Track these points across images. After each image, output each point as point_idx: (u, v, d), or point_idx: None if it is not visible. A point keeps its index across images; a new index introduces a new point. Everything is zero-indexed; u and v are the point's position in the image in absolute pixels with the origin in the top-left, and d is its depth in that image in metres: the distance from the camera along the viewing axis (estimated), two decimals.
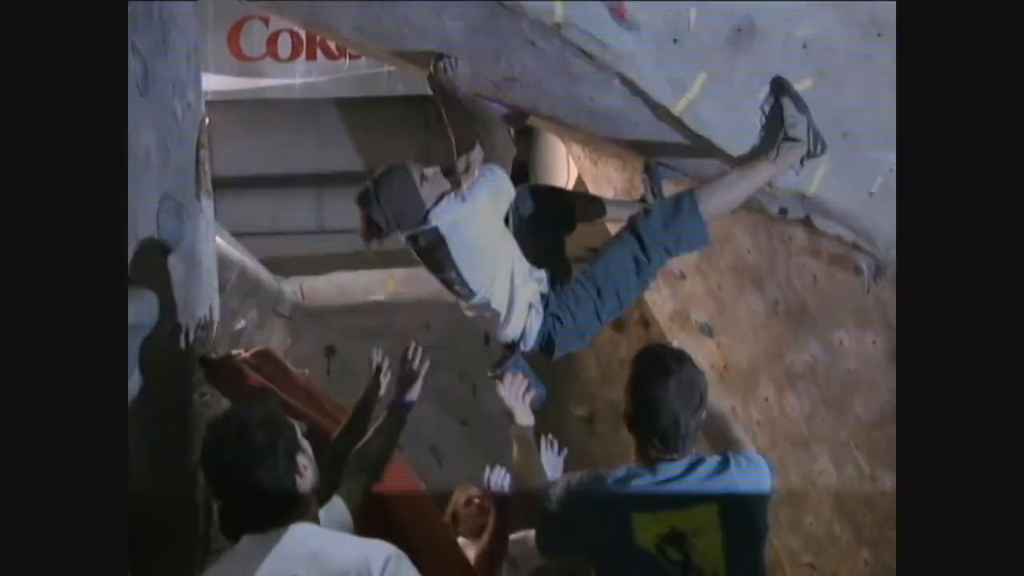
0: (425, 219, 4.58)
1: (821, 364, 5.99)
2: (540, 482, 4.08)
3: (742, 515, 3.84)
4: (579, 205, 5.35)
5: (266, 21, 11.60)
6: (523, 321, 4.66)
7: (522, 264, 4.68)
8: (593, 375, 10.63)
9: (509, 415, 4.29)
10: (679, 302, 7.03)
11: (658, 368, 3.87)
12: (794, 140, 4.66)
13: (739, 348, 6.58)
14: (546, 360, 4.80)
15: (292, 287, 10.62)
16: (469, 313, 4.84)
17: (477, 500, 5.85)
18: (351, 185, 12.88)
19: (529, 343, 4.70)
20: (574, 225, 5.19)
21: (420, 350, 4.54)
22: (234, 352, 5.20)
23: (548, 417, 10.67)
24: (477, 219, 4.57)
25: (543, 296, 4.69)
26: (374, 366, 4.83)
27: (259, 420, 3.35)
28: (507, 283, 4.62)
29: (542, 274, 4.74)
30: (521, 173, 11.24)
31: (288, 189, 12.98)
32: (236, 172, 12.20)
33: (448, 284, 4.71)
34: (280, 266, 10.82)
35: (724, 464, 3.87)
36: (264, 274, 10.11)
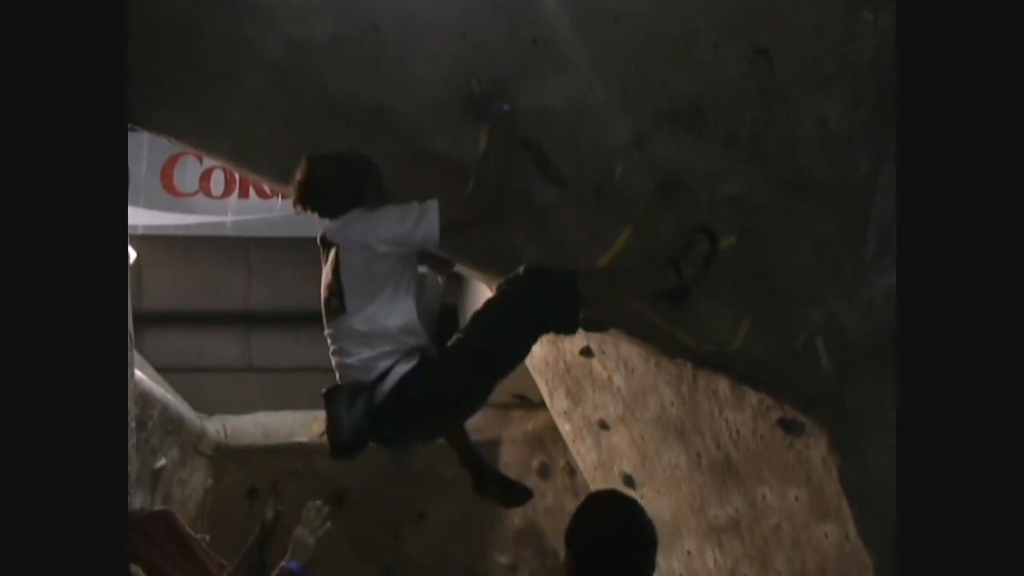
0: (342, 213, 4.46)
1: (744, 519, 5.96)
2: None
3: None
4: None
5: (200, 158, 11.60)
6: (384, 362, 4.37)
7: (408, 307, 4.44)
8: (517, 523, 10.52)
9: None
10: (602, 453, 7.00)
11: (608, 518, 3.56)
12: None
13: (662, 500, 6.54)
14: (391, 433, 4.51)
15: (216, 426, 10.48)
16: (330, 343, 4.55)
17: None
18: (279, 324, 12.90)
19: (386, 388, 4.36)
20: None
21: (322, 511, 4.32)
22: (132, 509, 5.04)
23: (473, 565, 10.55)
24: (375, 240, 4.34)
25: (419, 349, 4.44)
26: (260, 525, 4.58)
27: None
28: (381, 314, 4.38)
29: (423, 333, 4.50)
30: (451, 317, 11.26)
31: (216, 326, 12.88)
32: (164, 307, 12.10)
33: (328, 297, 4.49)
34: (204, 404, 10.70)
35: None
36: (187, 412, 9.99)
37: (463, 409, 4.61)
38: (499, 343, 4.48)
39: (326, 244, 4.54)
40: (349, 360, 4.46)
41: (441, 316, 11.77)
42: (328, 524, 4.16)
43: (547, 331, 4.64)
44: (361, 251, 4.36)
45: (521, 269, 4.47)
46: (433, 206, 4.27)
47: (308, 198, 4.51)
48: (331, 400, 4.47)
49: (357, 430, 4.42)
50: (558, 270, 4.53)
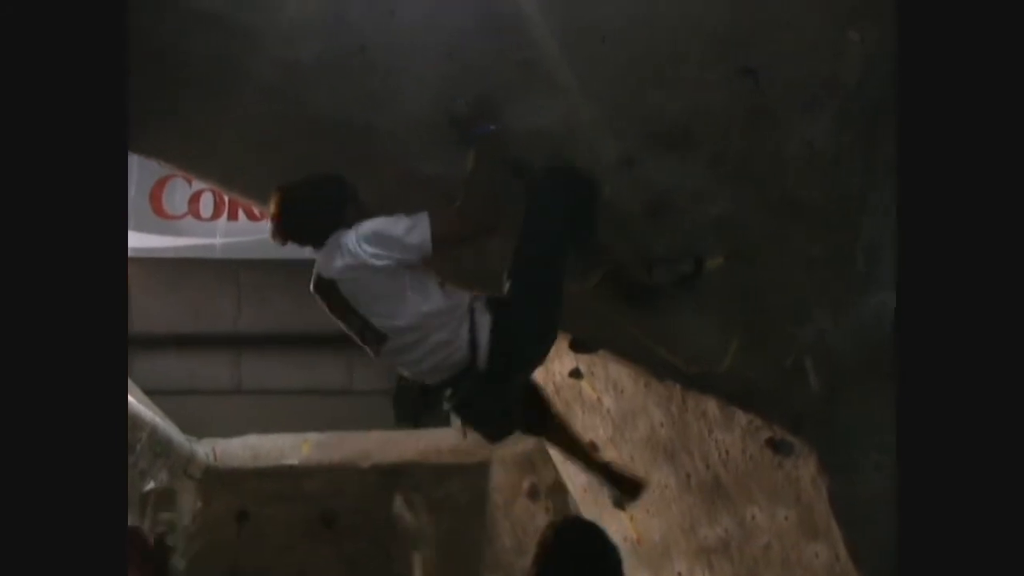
0: (324, 239, 4.34)
1: (734, 539, 5.95)
2: None
3: None
4: None
5: (189, 180, 11.60)
6: (461, 337, 4.32)
7: (434, 290, 4.36)
8: (508, 543, 10.49)
9: None
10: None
11: (570, 547, 3.71)
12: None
13: (652, 521, 6.53)
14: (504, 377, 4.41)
15: (205, 449, 10.45)
16: (398, 366, 4.53)
17: None
18: (269, 346, 12.87)
19: (483, 354, 4.31)
20: None
21: None
22: None
23: None
24: (368, 255, 4.22)
25: (479, 302, 4.39)
26: None
27: None
28: (416, 313, 4.30)
29: (465, 293, 4.44)
30: None
31: (205, 348, 12.86)
32: (153, 330, 12.08)
33: (360, 334, 4.42)
34: (194, 427, 10.67)
35: None
36: (176, 435, 9.96)
37: (555, 322, 4.53)
38: (551, 254, 4.44)
39: (321, 287, 4.42)
40: (428, 363, 4.41)
41: None
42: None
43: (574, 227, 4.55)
44: (359, 272, 4.26)
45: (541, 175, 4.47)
46: (423, 216, 4.21)
47: (287, 231, 4.43)
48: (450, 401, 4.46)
49: (495, 405, 4.44)
50: (572, 171, 4.51)
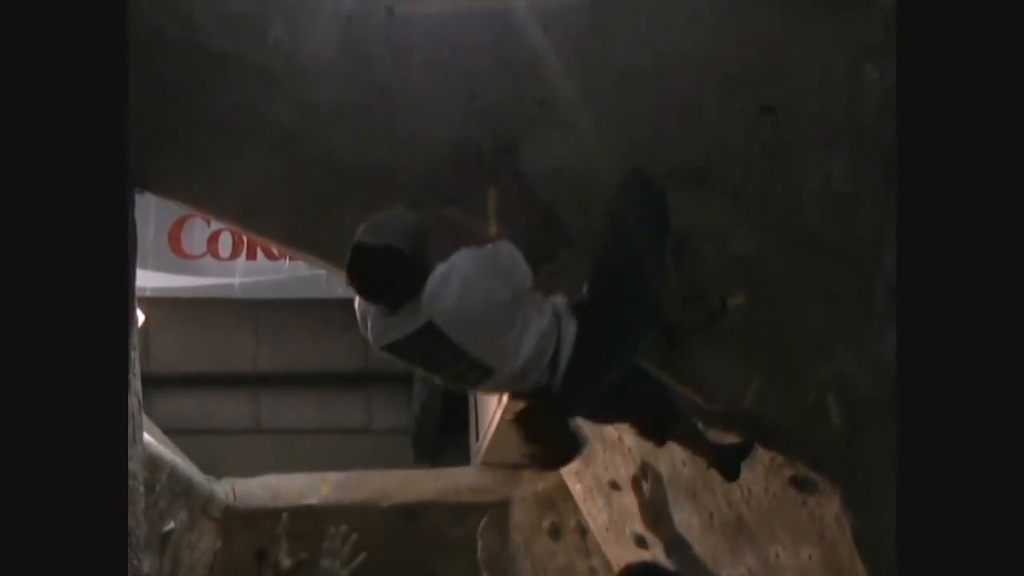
0: (418, 290, 3.89)
1: None
2: None
3: None
4: None
5: (208, 220, 11.64)
6: (547, 346, 4.11)
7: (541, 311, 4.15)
8: None
9: None
10: (614, 512, 6.97)
11: None
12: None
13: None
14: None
15: (224, 488, 10.44)
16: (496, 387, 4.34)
17: None
18: (288, 385, 12.85)
19: (564, 358, 4.12)
20: None
21: (349, 538, 3.93)
22: None
23: None
24: (470, 293, 3.90)
25: (561, 313, 4.21)
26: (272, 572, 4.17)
27: None
28: (534, 340, 4.07)
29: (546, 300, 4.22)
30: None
31: (224, 388, 12.88)
32: (172, 370, 12.10)
33: (459, 376, 4.14)
34: (213, 466, 10.67)
35: None
36: (196, 475, 9.96)
37: (642, 326, 4.41)
38: (637, 255, 4.33)
39: (413, 338, 4.00)
40: (528, 381, 4.20)
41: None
42: (363, 555, 3.82)
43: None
44: (480, 307, 3.93)
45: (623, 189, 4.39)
46: (510, 245, 3.98)
47: (381, 298, 4.00)
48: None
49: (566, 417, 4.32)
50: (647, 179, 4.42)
